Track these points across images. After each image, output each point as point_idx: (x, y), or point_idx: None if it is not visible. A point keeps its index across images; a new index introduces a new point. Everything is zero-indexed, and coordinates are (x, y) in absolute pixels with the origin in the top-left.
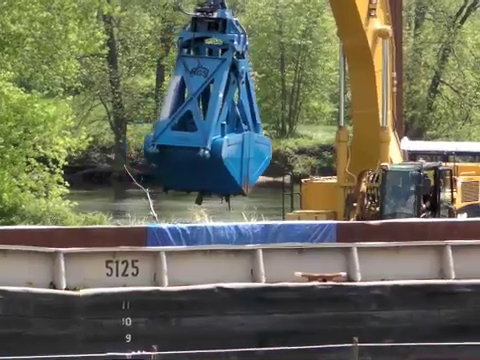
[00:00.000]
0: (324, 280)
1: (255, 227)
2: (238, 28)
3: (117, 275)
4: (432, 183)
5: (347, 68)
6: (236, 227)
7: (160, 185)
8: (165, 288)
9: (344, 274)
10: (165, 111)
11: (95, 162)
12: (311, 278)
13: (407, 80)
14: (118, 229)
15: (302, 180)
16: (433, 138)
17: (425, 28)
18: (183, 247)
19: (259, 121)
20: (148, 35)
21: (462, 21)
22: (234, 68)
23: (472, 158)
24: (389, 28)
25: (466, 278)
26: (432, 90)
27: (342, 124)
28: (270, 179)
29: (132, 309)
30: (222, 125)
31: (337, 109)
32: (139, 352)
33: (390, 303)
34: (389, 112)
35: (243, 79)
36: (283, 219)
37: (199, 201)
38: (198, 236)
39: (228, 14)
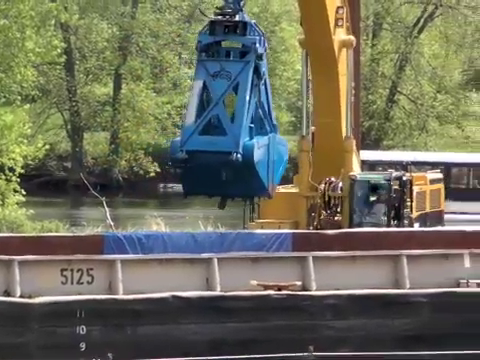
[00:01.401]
0: (279, 289)
1: (211, 236)
2: (258, 30)
3: (72, 283)
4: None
5: (311, 77)
6: (192, 235)
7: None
8: (120, 296)
9: (299, 283)
10: (190, 116)
11: (52, 170)
12: (266, 287)
13: (364, 90)
14: (74, 237)
15: None
16: (390, 148)
17: (382, 38)
18: (138, 256)
19: (275, 122)
20: (106, 43)
21: (419, 31)
22: (256, 70)
23: (430, 168)
24: (353, 38)
25: (421, 288)
26: (389, 100)
27: (304, 133)
28: None
29: (87, 317)
30: (250, 128)
31: (294, 118)
32: None
33: (345, 312)
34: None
35: (263, 81)
36: (244, 228)
37: (222, 206)
38: (154, 244)
39: (247, 17)
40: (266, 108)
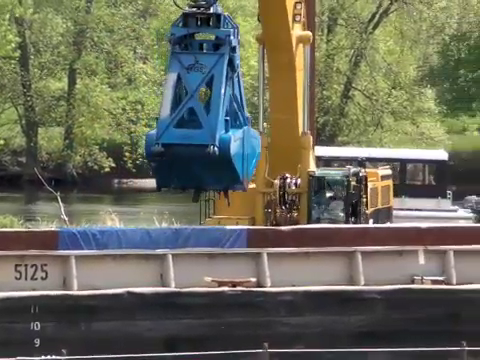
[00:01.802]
0: (234, 285)
1: (166, 231)
2: (231, 22)
3: (26, 279)
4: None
5: (267, 73)
6: (147, 231)
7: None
8: (74, 292)
9: (254, 280)
10: (165, 109)
11: (6, 165)
12: (221, 283)
13: (319, 86)
14: (28, 233)
15: None
16: (345, 144)
17: (337, 34)
18: (93, 252)
19: (247, 114)
20: (60, 38)
21: (374, 27)
22: (230, 62)
23: (384, 164)
24: (310, 34)
25: (375, 284)
26: (344, 96)
27: (261, 130)
28: None
29: (41, 313)
30: (226, 121)
31: (249, 114)
32: (48, 356)
33: (300, 309)
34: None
35: (237, 73)
36: (200, 224)
37: (197, 199)
38: (109, 240)
39: (220, 9)
40: (239, 101)
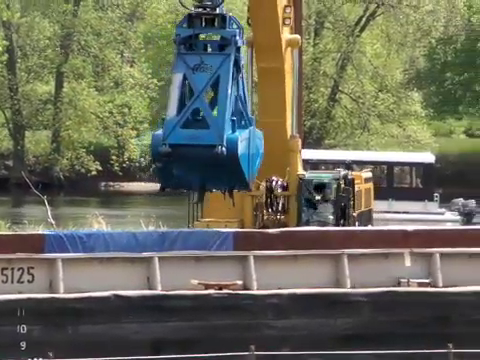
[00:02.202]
0: (220, 288)
1: (153, 234)
2: (236, 23)
3: (12, 282)
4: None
5: (257, 76)
6: (134, 234)
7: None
8: (61, 295)
9: (240, 282)
10: (172, 109)
11: None
12: (207, 286)
13: (306, 89)
14: (15, 236)
15: None
16: (332, 147)
17: (324, 37)
18: (79, 255)
19: (251, 114)
20: (47, 41)
21: (361, 30)
22: (235, 63)
23: (367, 167)
24: (299, 37)
25: (362, 287)
26: (331, 99)
27: None
28: None
29: (27, 316)
30: (232, 121)
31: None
32: (34, 359)
33: (287, 312)
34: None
35: (241, 73)
36: (189, 227)
37: (201, 199)
38: (95, 243)
39: (224, 9)
40: (243, 101)
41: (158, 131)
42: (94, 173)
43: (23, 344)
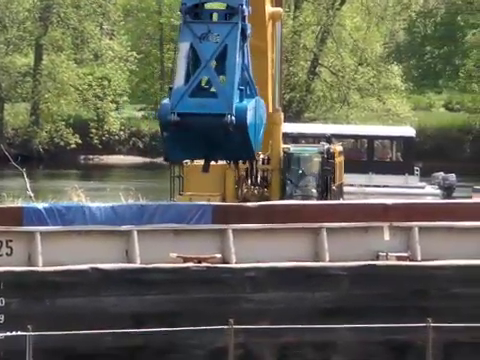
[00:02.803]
0: (199, 262)
1: (131, 207)
2: None
3: None
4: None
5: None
6: (112, 207)
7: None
8: (40, 268)
9: (219, 256)
10: (179, 78)
11: None
12: (186, 259)
13: (286, 62)
14: None
15: (183, 162)
16: (311, 120)
17: (304, 10)
18: (58, 227)
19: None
20: (27, 13)
21: (341, 4)
22: (242, 32)
23: (353, 141)
24: (281, 10)
25: (341, 261)
26: (311, 72)
27: None
28: (147, 160)
29: (5, 289)
30: (240, 90)
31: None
32: (13, 332)
33: (265, 285)
34: (272, 94)
35: (247, 42)
36: (171, 201)
37: (207, 168)
38: (74, 216)
39: None
40: (248, 70)
41: (165, 100)
42: (73, 146)
43: (1, 317)
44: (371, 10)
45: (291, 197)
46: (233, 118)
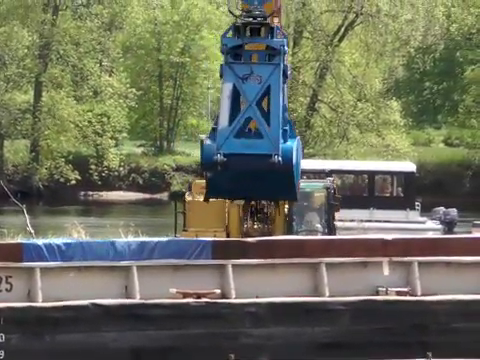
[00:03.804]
0: (198, 297)
1: (131, 243)
2: (282, 32)
3: None
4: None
5: None
6: (112, 243)
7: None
8: (39, 304)
9: (219, 291)
10: (224, 119)
11: None
12: (185, 295)
13: None
14: None
15: (186, 198)
16: (311, 156)
17: (303, 47)
18: (57, 263)
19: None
20: (26, 51)
21: (340, 40)
22: (283, 72)
23: (355, 177)
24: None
25: (340, 295)
26: (310, 108)
27: None
28: (147, 196)
29: (5, 325)
30: (284, 130)
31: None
32: None
33: (265, 320)
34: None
35: (286, 83)
36: (176, 237)
37: (246, 209)
38: (74, 252)
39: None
40: (286, 110)
41: (208, 141)
42: (73, 182)
43: (1, 353)
44: (370, 46)
45: (297, 233)
46: (279, 158)
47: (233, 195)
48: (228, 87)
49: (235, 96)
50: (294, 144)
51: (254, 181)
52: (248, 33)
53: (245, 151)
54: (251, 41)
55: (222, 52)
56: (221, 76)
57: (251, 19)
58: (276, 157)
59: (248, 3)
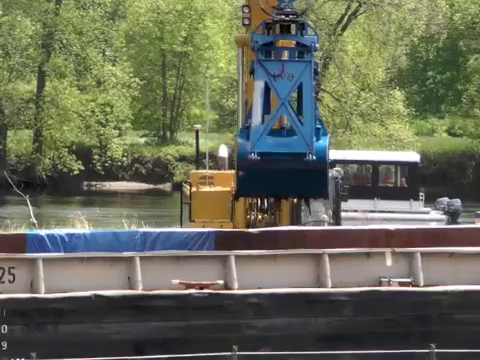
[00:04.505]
0: (201, 288)
1: (134, 234)
2: (313, 29)
3: None
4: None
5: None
6: (115, 234)
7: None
8: (42, 295)
9: (221, 282)
10: (256, 117)
11: None
12: (188, 286)
13: None
14: None
15: (191, 189)
16: None
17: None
18: (60, 254)
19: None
20: (29, 40)
21: (343, 29)
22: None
23: (358, 167)
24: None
25: (343, 286)
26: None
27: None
28: (151, 186)
29: (8, 316)
30: (317, 129)
31: (218, 116)
32: (16, 359)
33: (268, 311)
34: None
35: (316, 80)
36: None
37: (278, 207)
38: (77, 243)
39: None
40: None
41: (241, 140)
42: (76, 172)
43: (4, 344)
44: (373, 36)
45: (304, 224)
46: (314, 157)
47: (263, 192)
48: (260, 85)
49: (266, 93)
50: (326, 142)
51: (286, 179)
52: (278, 30)
53: (279, 150)
54: (283, 38)
55: (253, 49)
56: (251, 73)
57: (284, 17)
58: (310, 156)
59: (278, 0)
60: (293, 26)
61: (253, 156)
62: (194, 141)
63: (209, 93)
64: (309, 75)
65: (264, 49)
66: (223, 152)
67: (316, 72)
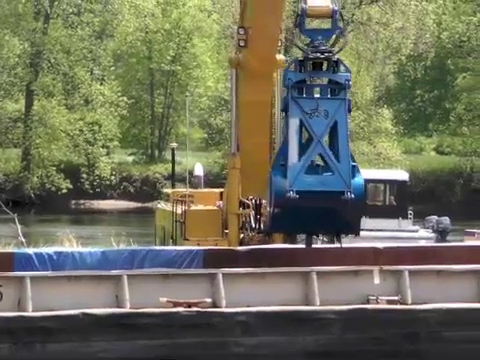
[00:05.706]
0: (189, 306)
1: (122, 252)
2: (345, 66)
3: None
4: None
5: (241, 97)
6: (103, 252)
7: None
8: (29, 314)
9: (209, 300)
10: (293, 155)
11: None
12: (176, 304)
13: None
14: None
15: (176, 207)
16: None
17: (294, 54)
18: (47, 273)
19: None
20: (17, 59)
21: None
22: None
23: None
24: (284, 58)
25: (331, 304)
26: None
27: (234, 151)
28: (139, 204)
29: None
30: (353, 166)
31: (206, 135)
32: None
33: (255, 329)
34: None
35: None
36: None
37: (310, 243)
38: (65, 261)
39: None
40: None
41: (277, 177)
42: (64, 191)
43: None
44: (361, 54)
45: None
46: (352, 195)
47: (296, 230)
48: (295, 122)
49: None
50: (362, 180)
51: (321, 217)
52: (310, 67)
53: (317, 188)
54: (317, 76)
55: (286, 87)
56: (283, 110)
57: (319, 54)
58: (349, 194)
59: (312, 38)
60: (325, 62)
61: (292, 194)
62: (182, 160)
63: (197, 112)
64: (344, 112)
65: (297, 86)
66: (199, 171)
67: (349, 109)
